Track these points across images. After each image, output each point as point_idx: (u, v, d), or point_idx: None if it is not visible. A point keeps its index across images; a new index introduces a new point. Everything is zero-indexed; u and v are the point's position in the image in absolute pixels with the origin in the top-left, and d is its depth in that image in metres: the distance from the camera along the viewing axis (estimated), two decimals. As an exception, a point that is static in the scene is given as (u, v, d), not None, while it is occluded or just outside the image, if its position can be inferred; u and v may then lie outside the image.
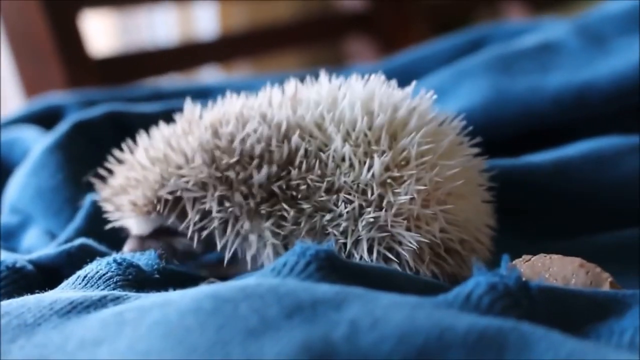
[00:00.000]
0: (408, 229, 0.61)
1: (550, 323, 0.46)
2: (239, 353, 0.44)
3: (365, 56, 1.82)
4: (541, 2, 2.23)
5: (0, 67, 1.39)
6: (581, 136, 0.89)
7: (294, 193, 0.62)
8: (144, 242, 0.67)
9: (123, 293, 0.55)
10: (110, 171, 0.68)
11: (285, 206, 0.62)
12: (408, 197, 0.61)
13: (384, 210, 0.61)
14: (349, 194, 0.61)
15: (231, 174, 0.63)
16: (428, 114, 0.65)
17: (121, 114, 0.90)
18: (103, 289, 0.58)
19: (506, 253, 0.54)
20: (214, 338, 0.45)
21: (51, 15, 1.30)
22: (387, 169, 0.62)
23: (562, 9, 2.16)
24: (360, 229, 0.61)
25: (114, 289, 0.58)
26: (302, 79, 0.69)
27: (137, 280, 0.60)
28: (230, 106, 0.67)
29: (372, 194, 0.61)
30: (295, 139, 0.63)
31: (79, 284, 0.60)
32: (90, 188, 0.74)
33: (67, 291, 0.59)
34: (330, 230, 0.62)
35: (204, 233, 0.64)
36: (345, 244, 0.61)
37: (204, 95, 0.87)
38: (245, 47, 1.70)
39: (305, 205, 0.62)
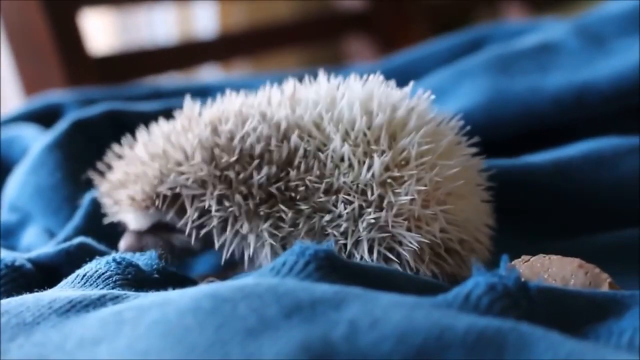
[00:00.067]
0: (408, 229, 0.61)
1: (549, 323, 0.46)
2: (238, 353, 0.43)
3: (365, 56, 1.82)
4: (541, 2, 2.23)
5: (0, 66, 1.39)
6: (581, 136, 0.89)
7: (293, 194, 0.62)
8: (141, 237, 0.67)
9: (122, 292, 0.55)
10: (109, 166, 0.68)
11: (284, 207, 0.62)
12: (409, 197, 0.61)
13: (384, 210, 0.61)
14: (349, 195, 0.61)
15: (231, 173, 0.62)
16: (427, 114, 0.65)
17: (120, 113, 0.89)
18: (102, 288, 0.58)
19: (505, 253, 0.54)
20: (213, 337, 0.45)
21: (51, 14, 1.30)
22: (386, 169, 0.61)
23: (562, 9, 2.17)
24: (360, 229, 0.61)
25: (113, 288, 0.58)
26: (300, 79, 0.68)
27: (136, 279, 0.60)
28: (229, 104, 0.67)
29: (372, 194, 0.61)
30: (294, 138, 0.63)
31: (78, 282, 0.60)
32: (89, 186, 0.74)
33: (66, 290, 0.59)
34: (330, 231, 0.62)
35: (203, 231, 0.64)
36: (345, 245, 0.61)
37: (203, 94, 0.87)
38: (244, 46, 1.70)
39: (303, 207, 0.62)
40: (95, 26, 1.68)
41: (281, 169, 0.62)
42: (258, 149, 0.63)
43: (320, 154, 0.63)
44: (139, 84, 1.35)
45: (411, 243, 0.61)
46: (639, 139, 0.86)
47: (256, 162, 0.62)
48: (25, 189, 0.83)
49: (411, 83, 0.67)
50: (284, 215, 0.62)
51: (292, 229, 0.62)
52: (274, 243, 0.62)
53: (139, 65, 1.48)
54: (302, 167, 0.62)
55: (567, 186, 0.81)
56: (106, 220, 0.68)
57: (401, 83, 0.67)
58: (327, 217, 0.62)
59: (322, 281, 0.51)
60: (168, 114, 0.71)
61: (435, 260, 0.62)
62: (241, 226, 0.63)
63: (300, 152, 0.62)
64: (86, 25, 1.41)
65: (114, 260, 0.61)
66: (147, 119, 0.74)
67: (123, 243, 0.68)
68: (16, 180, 0.85)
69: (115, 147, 0.69)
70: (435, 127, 0.65)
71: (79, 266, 0.62)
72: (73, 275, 0.61)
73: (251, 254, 0.63)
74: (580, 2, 2.07)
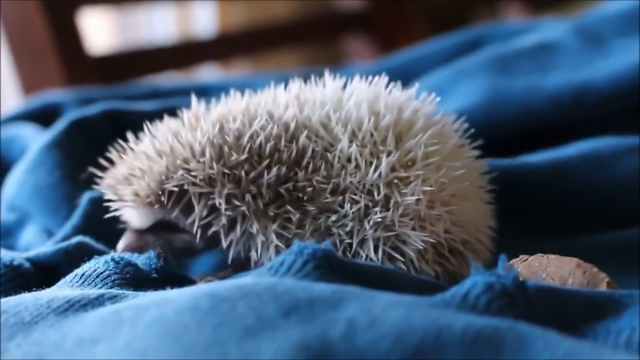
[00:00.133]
0: (413, 229, 0.61)
1: (547, 323, 0.46)
2: (236, 352, 0.44)
3: (364, 55, 1.83)
4: (540, 2, 2.23)
5: (-1, 65, 1.39)
6: (580, 136, 0.89)
7: (300, 195, 0.62)
8: (141, 236, 0.66)
9: (120, 292, 0.55)
10: (111, 162, 0.67)
11: (291, 208, 0.61)
12: (415, 197, 0.61)
13: (390, 210, 0.61)
14: (355, 194, 0.61)
15: (240, 172, 0.62)
16: (432, 116, 0.65)
17: (119, 112, 0.89)
18: (101, 288, 0.58)
19: (504, 253, 0.54)
20: (211, 337, 0.45)
21: (50, 13, 1.30)
22: (393, 169, 0.62)
23: (561, 9, 2.17)
24: (367, 228, 0.61)
25: (111, 288, 0.58)
26: (302, 78, 0.68)
27: (135, 279, 0.60)
28: (234, 103, 0.66)
29: (379, 194, 0.61)
30: (303, 139, 0.62)
31: (77, 282, 0.60)
32: (87, 186, 0.73)
33: (64, 289, 0.59)
34: (335, 230, 0.61)
35: (211, 230, 0.63)
36: (350, 244, 0.61)
37: (203, 93, 0.87)
38: (243, 46, 1.71)
39: (310, 207, 0.61)
40: (94, 25, 1.68)
41: (289, 169, 0.62)
42: (267, 149, 0.62)
43: (327, 154, 0.62)
44: (138, 84, 1.35)
45: (416, 242, 0.61)
46: (638, 138, 0.86)
47: (266, 161, 0.62)
48: (23, 188, 0.83)
49: (416, 85, 0.67)
50: (291, 216, 0.61)
51: (298, 230, 0.62)
52: (280, 244, 0.62)
53: (138, 65, 1.48)
54: (310, 167, 0.62)
55: (566, 186, 0.81)
56: (107, 217, 0.68)
57: (400, 83, 0.68)
58: (333, 218, 0.61)
59: (320, 280, 0.51)
60: (167, 113, 0.71)
61: (439, 260, 0.62)
62: (250, 226, 0.62)
63: (309, 152, 0.62)
64: (85, 25, 1.41)
65: (113, 259, 0.61)
66: (146, 118, 0.73)
67: (122, 242, 0.67)
68: (15, 179, 0.85)
69: (119, 143, 0.68)
70: (441, 128, 0.65)
71: (77, 265, 0.62)
72: (71, 275, 0.61)
73: (259, 254, 0.63)
74: (579, 2, 2.07)
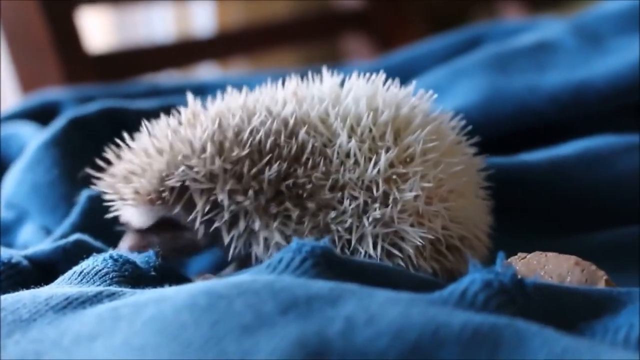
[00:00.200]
0: (411, 225, 0.61)
1: (545, 320, 0.46)
2: (234, 349, 0.44)
3: (362, 54, 1.82)
4: (538, 1, 2.23)
5: (-2, 64, 1.39)
6: (578, 135, 0.89)
7: (300, 191, 0.62)
8: (143, 236, 0.66)
9: (119, 289, 0.55)
10: (109, 162, 0.67)
11: (291, 205, 0.61)
12: (413, 193, 0.61)
13: (389, 206, 0.61)
14: (354, 191, 0.61)
15: (241, 167, 0.62)
16: (430, 113, 0.65)
17: (117, 110, 0.89)
18: (99, 285, 0.58)
19: (502, 251, 0.54)
20: (209, 334, 0.45)
21: (48, 12, 1.30)
22: (391, 165, 0.62)
23: (559, 9, 2.17)
24: (365, 224, 0.61)
25: (109, 285, 0.58)
26: (301, 76, 0.68)
27: (133, 276, 0.60)
28: (232, 100, 0.66)
29: (377, 190, 0.61)
30: (302, 134, 0.62)
31: (75, 279, 0.60)
32: (86, 184, 0.73)
33: (62, 287, 0.58)
34: (334, 227, 0.61)
35: (213, 226, 0.63)
36: (349, 241, 0.61)
37: (201, 92, 0.87)
38: (242, 45, 1.71)
39: (309, 204, 0.61)
40: (92, 24, 1.68)
41: (289, 165, 0.62)
42: (268, 144, 0.62)
43: (326, 150, 0.62)
44: (136, 82, 1.35)
45: (414, 239, 0.61)
46: (637, 137, 0.86)
47: (267, 157, 0.62)
48: (22, 186, 0.83)
49: (414, 82, 0.67)
50: (291, 213, 0.61)
51: (298, 226, 0.62)
52: (282, 241, 0.62)
53: (136, 64, 1.48)
54: (310, 163, 0.62)
55: (564, 184, 0.81)
56: (106, 217, 0.67)
57: (399, 81, 0.68)
58: (332, 214, 0.61)
59: (318, 278, 0.51)
60: (166, 112, 0.71)
61: (436, 257, 0.62)
62: (252, 222, 0.62)
63: (308, 148, 0.62)
64: (84, 23, 1.41)
65: (111, 257, 0.61)
66: (145, 116, 0.73)
67: (124, 243, 0.66)
68: (13, 177, 0.85)
69: (117, 143, 0.67)
70: (439, 125, 0.65)
71: (75, 263, 0.62)
72: (70, 272, 0.61)
73: (260, 251, 0.63)
74: (578, 2, 2.07)
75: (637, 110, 0.96)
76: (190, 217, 0.63)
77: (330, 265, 0.53)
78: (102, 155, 0.68)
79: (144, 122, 0.67)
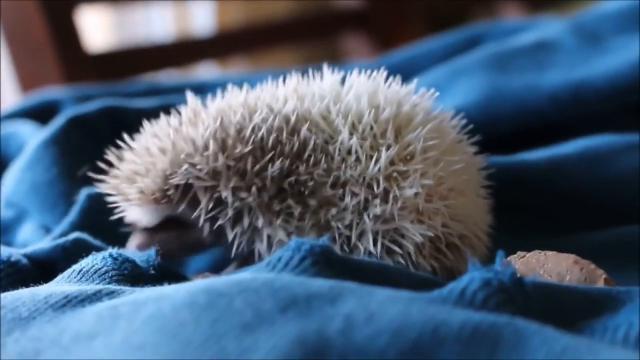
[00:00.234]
0: (412, 223, 0.61)
1: (544, 319, 0.46)
2: (234, 347, 0.44)
3: (362, 54, 1.82)
4: (538, 1, 2.23)
5: (-3, 63, 1.39)
6: (578, 134, 0.89)
7: (302, 189, 0.62)
8: (150, 235, 0.66)
9: (118, 287, 0.55)
10: (111, 164, 0.66)
11: (293, 202, 0.61)
12: (414, 190, 0.61)
13: (389, 203, 0.61)
14: (355, 187, 0.61)
15: (244, 164, 0.62)
16: (431, 111, 0.65)
17: (117, 109, 0.89)
18: (98, 284, 0.58)
19: (502, 250, 0.54)
20: (208, 332, 0.45)
21: (48, 11, 1.30)
22: (392, 162, 0.62)
23: (559, 8, 2.17)
24: (366, 221, 0.61)
25: (109, 284, 0.58)
26: (301, 74, 0.68)
27: (133, 275, 0.60)
28: (233, 98, 0.66)
29: (378, 187, 0.61)
30: (304, 131, 0.62)
31: (74, 278, 0.60)
32: (85, 182, 0.73)
33: (62, 285, 0.58)
34: (334, 224, 0.62)
35: (217, 223, 0.63)
36: (349, 238, 0.61)
37: (201, 91, 0.87)
38: (241, 44, 1.70)
39: (311, 202, 0.61)
40: (92, 23, 1.68)
41: (292, 162, 0.62)
42: (270, 141, 0.62)
43: (328, 147, 0.62)
44: (136, 81, 1.35)
45: (415, 236, 0.61)
46: (637, 136, 0.86)
47: (269, 154, 0.62)
48: (21, 185, 0.83)
49: (415, 81, 0.67)
50: (293, 211, 0.62)
51: (299, 223, 0.62)
52: (284, 238, 0.62)
53: (136, 63, 1.48)
54: (311, 160, 0.62)
55: (564, 183, 0.81)
56: (110, 218, 0.67)
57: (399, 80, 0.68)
58: (333, 211, 0.61)
59: (318, 276, 0.51)
60: (165, 111, 0.71)
61: (436, 255, 0.62)
62: (256, 219, 0.62)
63: (310, 145, 0.62)
64: (83, 22, 1.41)
65: (110, 255, 0.61)
66: (144, 115, 0.73)
67: (132, 243, 0.66)
68: (12, 176, 0.85)
69: (118, 144, 0.67)
70: (440, 123, 0.65)
71: (74, 261, 0.62)
72: (69, 271, 0.61)
73: (264, 248, 0.63)
74: (577, 1, 2.07)
75: (636, 109, 0.96)
76: (194, 214, 0.63)
77: (330, 263, 0.53)
78: (101, 154, 0.68)
79: (145, 122, 0.67)
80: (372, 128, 0.63)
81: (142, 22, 1.96)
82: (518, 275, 0.50)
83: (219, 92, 0.69)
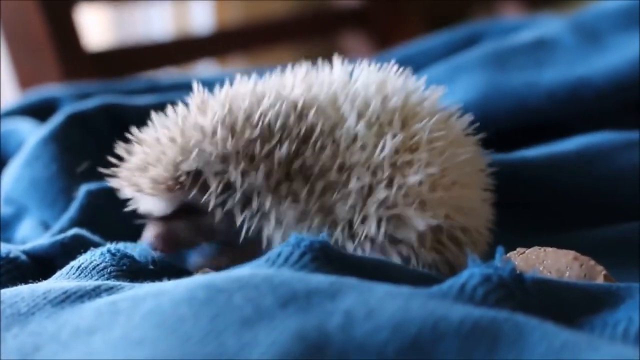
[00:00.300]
0: (415, 210, 0.61)
1: (543, 315, 0.46)
2: (233, 342, 0.43)
3: (360, 52, 1.82)
4: (536, 0, 2.23)
5: (-3, 61, 1.39)
6: (577, 132, 0.89)
7: (308, 172, 0.62)
8: (166, 224, 0.66)
9: (117, 283, 0.55)
10: (120, 158, 0.66)
11: (300, 186, 0.62)
12: (418, 178, 0.61)
13: (394, 190, 0.61)
14: (360, 173, 0.62)
15: (253, 148, 0.62)
16: (438, 104, 0.66)
17: (116, 106, 0.89)
18: (97, 279, 0.58)
19: (501, 246, 0.54)
20: (208, 327, 0.45)
21: (47, 9, 1.30)
22: (397, 151, 0.62)
23: (558, 7, 2.17)
24: (369, 206, 0.61)
25: (107, 279, 0.58)
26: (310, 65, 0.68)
27: (131, 270, 0.60)
28: (241, 86, 0.67)
29: (383, 174, 0.61)
30: (311, 116, 0.63)
31: (73, 274, 0.60)
32: (84, 179, 0.73)
33: (61, 281, 0.59)
34: (338, 208, 0.62)
35: (226, 207, 0.63)
36: (351, 223, 0.62)
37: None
38: (240, 42, 1.70)
39: (317, 186, 0.62)
40: (91, 21, 1.68)
41: (298, 146, 0.62)
42: (278, 125, 0.63)
43: (334, 132, 0.63)
44: (135, 79, 1.35)
45: (417, 224, 0.61)
46: (637, 133, 0.86)
47: (277, 137, 0.62)
48: (20, 182, 0.83)
49: (424, 77, 0.67)
50: (300, 194, 0.62)
51: (305, 207, 0.62)
52: (291, 222, 0.62)
53: (135, 61, 1.48)
54: (318, 144, 0.62)
55: (564, 180, 0.81)
56: (110, 213, 0.67)
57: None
58: (338, 195, 0.62)
59: (317, 272, 0.51)
60: (164, 108, 0.71)
61: (437, 247, 0.62)
62: (264, 202, 0.62)
63: (317, 130, 0.63)
64: (82, 21, 1.41)
65: (109, 251, 0.61)
66: (143, 112, 0.73)
67: (148, 232, 0.66)
68: (12, 173, 0.85)
69: (127, 137, 0.67)
70: (447, 116, 0.66)
71: (73, 257, 0.62)
72: (68, 267, 0.61)
73: (271, 232, 0.63)
74: (576, 0, 2.07)
75: (636, 107, 0.96)
76: (204, 198, 0.63)
77: (329, 259, 0.53)
78: (100, 150, 0.68)
79: (147, 118, 0.67)
80: (378, 117, 0.63)
81: (141, 21, 1.96)
82: (518, 271, 0.50)
83: (227, 82, 0.68)
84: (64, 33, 1.33)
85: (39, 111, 1.01)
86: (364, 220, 0.62)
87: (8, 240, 0.81)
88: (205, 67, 1.89)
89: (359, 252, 0.62)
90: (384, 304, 0.45)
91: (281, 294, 0.47)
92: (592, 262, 0.57)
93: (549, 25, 1.11)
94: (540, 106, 0.93)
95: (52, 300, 0.52)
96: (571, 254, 0.58)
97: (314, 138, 0.62)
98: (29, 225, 0.81)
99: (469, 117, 0.67)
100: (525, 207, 0.81)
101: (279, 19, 1.85)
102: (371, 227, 0.61)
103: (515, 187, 0.80)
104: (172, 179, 0.63)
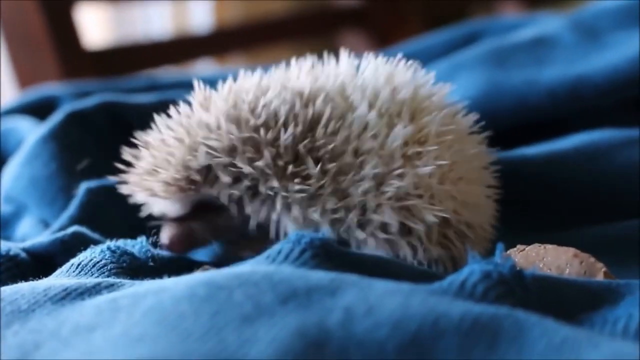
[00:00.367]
0: (424, 202, 0.61)
1: (543, 312, 0.46)
2: (234, 339, 0.43)
3: (360, 51, 1.82)
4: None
5: (-4, 59, 1.39)
6: (576, 129, 0.89)
7: (319, 154, 0.62)
8: (181, 224, 0.66)
9: (117, 280, 0.55)
10: (128, 163, 0.66)
11: (310, 166, 0.62)
12: (428, 169, 0.61)
13: (404, 181, 0.61)
14: (374, 159, 0.62)
15: (258, 135, 0.62)
16: (446, 100, 0.66)
17: (115, 105, 0.89)
18: (97, 277, 0.58)
19: (501, 243, 0.54)
20: (208, 324, 0.45)
21: (46, 8, 1.30)
22: (406, 143, 0.62)
23: (557, 5, 2.17)
24: (381, 195, 0.61)
25: (108, 277, 0.58)
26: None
27: (131, 267, 0.60)
28: (245, 81, 0.67)
29: (395, 164, 0.61)
30: (319, 103, 0.63)
31: (73, 271, 0.60)
32: (84, 177, 0.73)
33: (61, 278, 0.59)
34: (352, 190, 0.62)
35: (235, 196, 0.63)
36: (364, 209, 0.62)
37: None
38: (239, 41, 1.71)
39: (331, 167, 0.62)
40: (90, 20, 1.68)
41: (306, 130, 0.62)
42: (283, 111, 0.62)
43: (345, 119, 0.63)
44: (134, 77, 1.35)
45: (426, 216, 0.61)
46: (636, 131, 0.86)
47: (281, 122, 0.62)
48: (20, 180, 0.83)
49: (432, 73, 0.68)
50: (311, 173, 0.62)
51: (318, 189, 0.62)
52: (300, 205, 0.62)
53: (134, 60, 1.48)
54: (329, 128, 0.62)
55: (564, 178, 0.82)
56: (109, 208, 0.67)
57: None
58: (353, 178, 0.62)
59: (317, 269, 0.51)
60: (164, 106, 0.71)
61: (443, 242, 0.62)
62: (271, 186, 0.62)
63: (326, 114, 0.62)
64: (81, 19, 1.41)
65: (109, 248, 0.61)
66: (143, 111, 0.73)
67: (165, 235, 0.66)
68: (11, 171, 0.85)
69: (132, 141, 0.67)
70: (455, 111, 0.66)
71: (73, 255, 0.62)
72: (68, 264, 0.61)
73: (278, 216, 0.63)
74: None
75: (635, 104, 0.96)
76: (214, 191, 0.64)
77: (330, 256, 0.53)
78: (100, 149, 0.68)
79: (148, 118, 0.67)
80: (388, 108, 0.63)
81: (141, 19, 1.96)
82: (518, 268, 0.50)
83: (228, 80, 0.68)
84: (64, 32, 1.33)
85: (38, 109, 1.01)
86: (376, 208, 0.62)
87: (8, 238, 0.80)
88: (204, 66, 1.89)
89: (370, 242, 0.62)
90: (384, 301, 0.45)
91: (281, 290, 0.47)
92: (592, 259, 0.57)
93: (549, 23, 1.11)
94: (540, 104, 0.93)
95: (53, 298, 0.52)
96: (571, 251, 0.58)
97: (323, 122, 0.62)
98: (28, 223, 0.81)
99: (474, 116, 0.67)
100: (525, 204, 0.81)
101: (278, 17, 1.85)
102: (384, 215, 0.61)
103: (515, 185, 0.79)
104: (184, 179, 0.64)
